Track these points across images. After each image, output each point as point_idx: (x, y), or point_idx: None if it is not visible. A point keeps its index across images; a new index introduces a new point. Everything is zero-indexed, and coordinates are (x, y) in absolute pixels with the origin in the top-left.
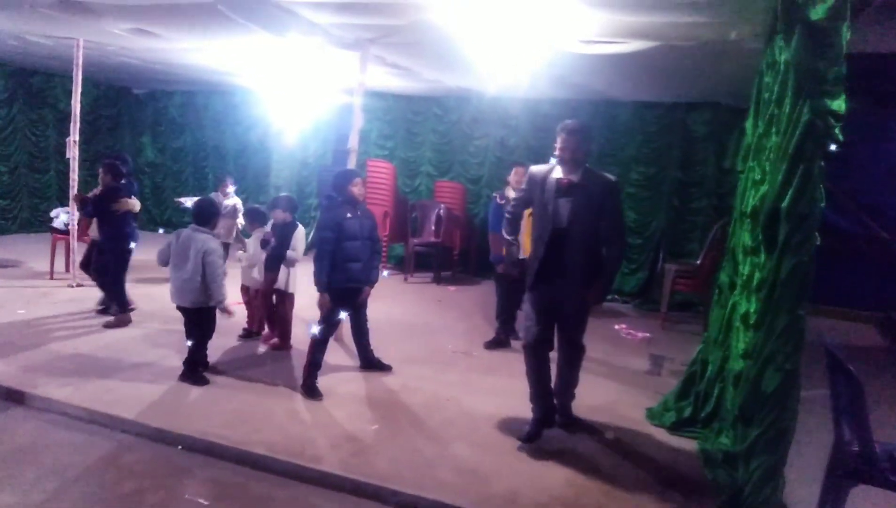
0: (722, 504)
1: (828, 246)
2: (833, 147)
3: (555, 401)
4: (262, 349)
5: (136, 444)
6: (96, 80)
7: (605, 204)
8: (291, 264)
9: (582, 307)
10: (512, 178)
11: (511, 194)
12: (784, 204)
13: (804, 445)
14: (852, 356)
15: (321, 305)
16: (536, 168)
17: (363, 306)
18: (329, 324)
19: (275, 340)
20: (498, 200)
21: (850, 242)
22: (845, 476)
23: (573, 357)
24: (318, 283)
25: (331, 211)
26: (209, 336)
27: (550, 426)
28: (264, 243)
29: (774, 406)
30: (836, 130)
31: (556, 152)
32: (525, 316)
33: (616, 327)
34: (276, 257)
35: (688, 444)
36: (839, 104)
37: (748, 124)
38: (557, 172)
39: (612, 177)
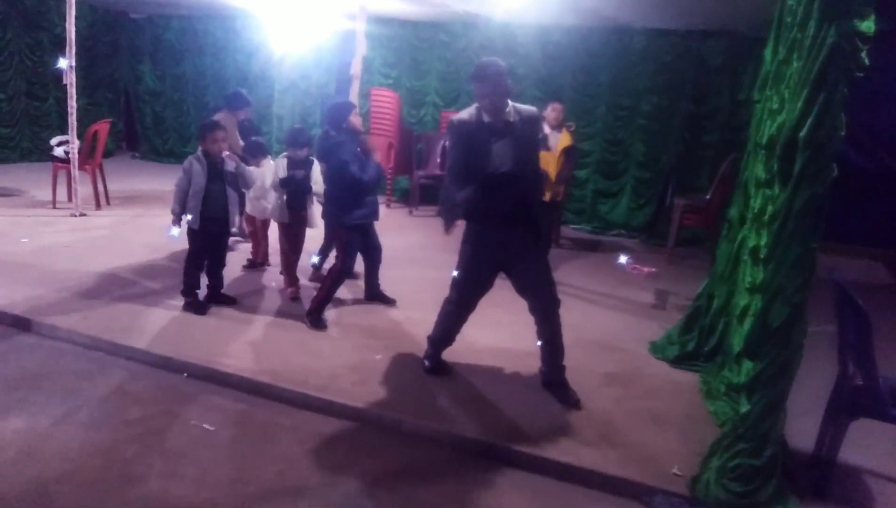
0: (722, 436)
1: (841, 181)
2: (859, 74)
3: (545, 376)
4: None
5: (142, 372)
6: (93, 3)
7: (536, 137)
8: (317, 197)
9: (544, 257)
10: (549, 114)
11: (547, 130)
12: (802, 133)
13: (807, 379)
14: (860, 292)
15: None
16: (460, 116)
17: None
18: (349, 263)
19: (293, 289)
20: None
21: (864, 178)
22: (847, 409)
23: (553, 316)
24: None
25: (344, 144)
26: (190, 260)
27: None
28: (289, 182)
29: (780, 340)
30: (863, 55)
31: (476, 98)
32: (461, 268)
33: (621, 261)
34: (305, 193)
35: (689, 377)
36: (868, 25)
37: (767, 51)
38: (484, 117)
39: (533, 108)
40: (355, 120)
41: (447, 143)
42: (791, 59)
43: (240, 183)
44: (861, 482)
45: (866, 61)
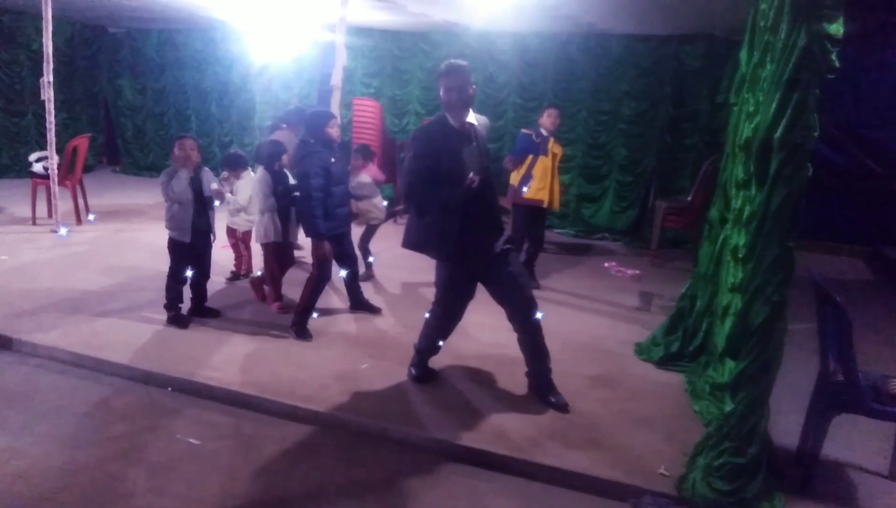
0: (708, 435)
1: (817, 180)
2: (830, 75)
3: (532, 380)
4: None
5: (125, 387)
6: (70, 18)
7: (485, 145)
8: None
9: (515, 260)
10: (545, 120)
11: (545, 133)
12: (777, 134)
13: (789, 377)
14: (840, 289)
15: (321, 253)
16: (427, 124)
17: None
18: (325, 271)
19: (280, 303)
20: (534, 137)
21: (840, 176)
22: (829, 405)
23: (530, 320)
24: (314, 232)
25: (314, 156)
26: (172, 275)
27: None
28: (285, 196)
29: (761, 339)
30: (833, 57)
31: (442, 98)
32: (441, 284)
33: (605, 264)
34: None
35: (674, 378)
36: (837, 28)
37: (742, 54)
38: (449, 120)
39: (484, 116)
40: (332, 131)
41: (406, 154)
42: (765, 62)
43: (214, 198)
44: (845, 476)
45: (836, 63)
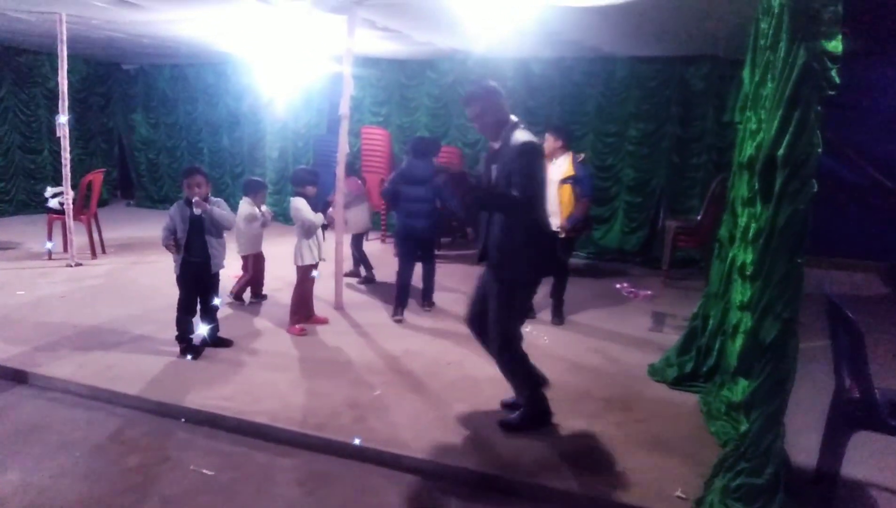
0: (724, 456)
1: (829, 196)
2: (831, 92)
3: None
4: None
5: (138, 419)
6: (85, 56)
7: (514, 168)
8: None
9: (503, 295)
10: (546, 144)
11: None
12: (780, 151)
13: (805, 395)
14: (855, 305)
15: None
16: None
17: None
18: None
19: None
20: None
21: (852, 191)
22: (846, 422)
23: (496, 357)
24: None
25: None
26: (181, 307)
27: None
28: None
29: (773, 356)
30: (833, 73)
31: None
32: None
33: (617, 285)
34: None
35: (689, 399)
36: (835, 45)
37: (745, 74)
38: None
39: (524, 139)
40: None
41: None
42: (766, 81)
43: (218, 225)
44: (867, 495)
45: (837, 79)
